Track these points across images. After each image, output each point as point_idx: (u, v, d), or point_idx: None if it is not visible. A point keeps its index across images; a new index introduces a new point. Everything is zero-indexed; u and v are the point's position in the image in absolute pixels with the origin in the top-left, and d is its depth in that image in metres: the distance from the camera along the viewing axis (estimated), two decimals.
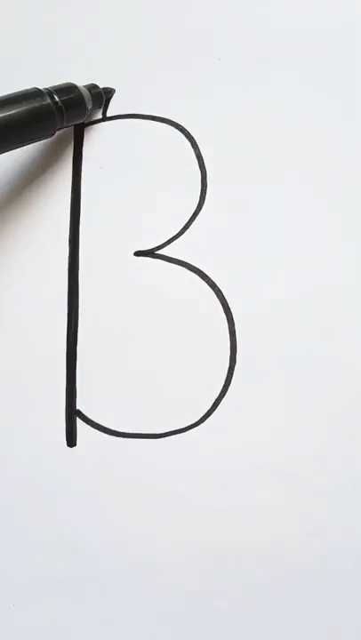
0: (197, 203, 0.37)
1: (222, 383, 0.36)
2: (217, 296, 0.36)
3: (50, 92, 0.34)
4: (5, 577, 0.36)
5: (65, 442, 0.36)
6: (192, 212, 0.37)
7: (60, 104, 0.34)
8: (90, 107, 0.36)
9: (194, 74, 0.37)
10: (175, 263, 0.37)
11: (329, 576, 0.35)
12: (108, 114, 0.38)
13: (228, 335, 0.36)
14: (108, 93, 0.37)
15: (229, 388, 0.36)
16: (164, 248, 0.37)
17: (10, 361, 0.37)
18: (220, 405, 0.36)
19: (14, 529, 0.36)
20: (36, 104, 0.33)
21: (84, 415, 0.36)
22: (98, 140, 0.38)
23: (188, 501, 0.35)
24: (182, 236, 0.37)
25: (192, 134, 0.37)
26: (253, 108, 0.37)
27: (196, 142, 0.37)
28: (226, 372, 0.36)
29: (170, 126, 0.37)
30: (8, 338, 0.37)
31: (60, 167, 0.38)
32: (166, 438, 0.36)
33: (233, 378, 0.36)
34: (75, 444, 0.36)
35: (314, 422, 0.36)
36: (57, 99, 0.34)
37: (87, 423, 0.36)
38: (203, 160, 0.37)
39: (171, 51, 0.38)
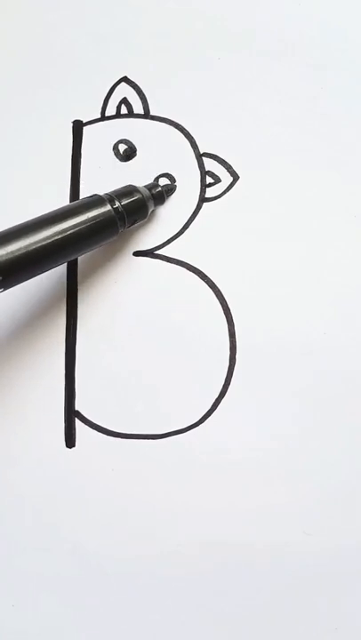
0: (197, 202, 0.37)
1: (222, 383, 0.36)
2: (216, 296, 0.36)
3: (111, 198, 0.34)
4: (5, 577, 0.36)
5: (64, 443, 0.36)
6: (192, 211, 0.37)
7: (121, 209, 0.34)
8: (152, 207, 0.36)
9: (194, 74, 0.37)
10: (175, 263, 0.37)
11: (329, 576, 0.35)
12: (107, 113, 0.38)
13: (228, 336, 0.36)
14: (169, 192, 0.37)
15: (229, 389, 0.36)
16: (164, 248, 0.37)
17: (9, 361, 0.37)
18: (219, 405, 0.36)
19: (14, 529, 0.36)
20: (98, 213, 0.33)
21: (83, 416, 0.36)
22: (97, 139, 0.38)
23: (188, 502, 0.36)
24: (182, 236, 0.37)
25: (192, 134, 0.37)
26: (253, 107, 0.37)
27: (195, 142, 0.37)
28: (225, 373, 0.36)
29: (170, 126, 0.37)
30: (8, 338, 0.37)
31: (58, 166, 0.37)
32: (166, 439, 0.36)
33: (233, 378, 0.36)
34: (74, 445, 0.36)
35: (314, 422, 0.36)
36: (118, 204, 0.34)
37: (86, 424, 0.36)
38: (202, 160, 0.37)
39: (171, 50, 0.37)
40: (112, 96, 0.38)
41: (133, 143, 0.37)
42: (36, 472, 0.36)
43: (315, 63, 0.37)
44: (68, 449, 0.36)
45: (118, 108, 0.38)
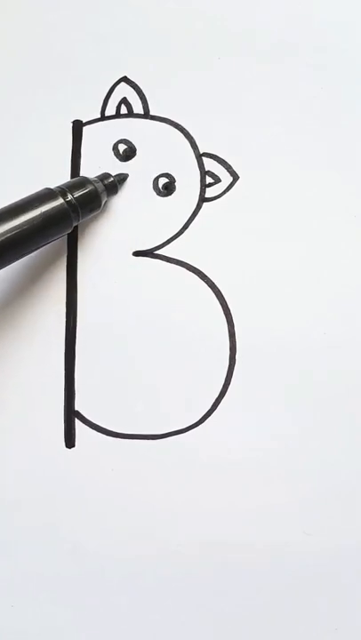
0: (197, 202, 0.37)
1: (222, 383, 0.36)
2: (216, 296, 0.36)
3: (63, 191, 0.33)
4: (5, 577, 0.36)
5: (64, 443, 0.36)
6: (191, 211, 0.37)
7: (74, 202, 0.33)
8: (105, 198, 0.36)
9: (194, 74, 0.37)
10: (174, 263, 0.37)
11: (329, 576, 0.35)
12: (107, 113, 0.38)
13: (228, 336, 0.36)
14: (121, 181, 0.37)
15: (229, 389, 0.36)
16: (164, 248, 0.37)
17: (8, 361, 0.37)
18: (219, 406, 0.36)
19: (14, 529, 0.36)
20: (50, 207, 0.32)
21: (82, 416, 0.36)
22: (96, 139, 0.38)
23: (188, 502, 0.35)
24: (181, 236, 0.37)
25: (192, 134, 0.37)
26: (253, 107, 0.37)
27: (195, 142, 0.37)
28: (225, 373, 0.36)
29: (169, 126, 0.37)
30: (7, 338, 0.37)
31: (58, 166, 0.37)
32: (166, 439, 0.36)
33: (232, 378, 0.36)
34: (74, 445, 0.36)
35: (314, 422, 0.36)
36: (70, 197, 0.33)
37: (86, 424, 0.36)
38: (202, 160, 0.37)
39: (171, 50, 0.37)
40: (112, 96, 0.38)
41: (133, 143, 0.37)
42: (36, 472, 0.36)
43: (315, 63, 0.37)
44: (67, 449, 0.36)
45: (118, 107, 0.38)
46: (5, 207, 0.32)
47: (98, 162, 0.38)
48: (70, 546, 0.36)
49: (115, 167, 0.37)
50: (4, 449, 0.36)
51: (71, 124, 0.38)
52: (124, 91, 0.38)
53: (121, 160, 0.37)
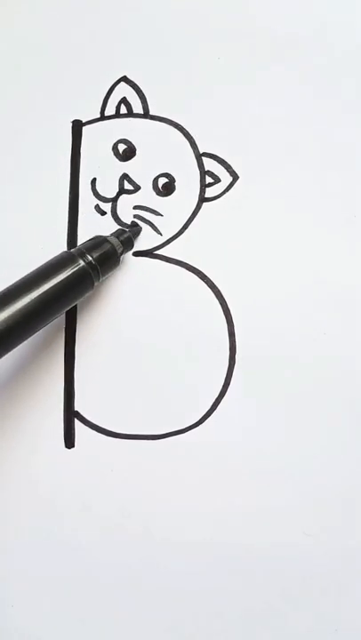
0: (197, 202, 0.37)
1: (222, 383, 0.36)
2: (216, 297, 0.36)
3: (81, 252, 0.34)
4: (5, 577, 0.36)
5: (63, 443, 0.36)
6: (191, 211, 0.37)
7: (94, 262, 0.34)
8: (122, 254, 0.36)
9: (194, 74, 0.37)
10: (174, 263, 0.37)
11: (329, 576, 0.35)
12: (107, 113, 0.38)
13: (228, 336, 0.36)
14: (136, 234, 0.37)
15: (229, 389, 0.36)
16: (163, 248, 0.37)
17: (8, 362, 0.36)
18: (219, 406, 0.36)
19: (13, 529, 0.36)
20: (71, 271, 0.33)
21: (82, 416, 0.36)
22: (96, 139, 0.38)
23: (188, 502, 0.35)
24: (181, 236, 0.37)
25: (192, 134, 0.37)
26: (253, 107, 0.37)
27: (195, 142, 0.37)
28: (225, 373, 0.36)
29: (169, 126, 0.37)
30: None
31: (58, 166, 0.37)
32: (166, 439, 0.36)
33: (233, 378, 0.36)
34: (73, 446, 0.36)
35: (313, 422, 0.36)
36: (90, 258, 0.34)
37: (86, 424, 0.36)
38: (202, 160, 0.37)
39: (170, 50, 0.37)
40: (111, 96, 0.38)
41: (133, 143, 0.37)
42: (35, 472, 0.36)
43: (315, 63, 0.37)
44: (67, 449, 0.36)
45: (118, 107, 0.38)
46: (28, 275, 0.32)
47: (97, 162, 0.38)
48: (70, 546, 0.36)
49: (114, 167, 0.37)
50: (4, 449, 0.36)
51: (71, 124, 0.38)
52: (123, 90, 0.38)
53: (121, 160, 0.37)
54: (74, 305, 0.35)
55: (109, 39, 0.38)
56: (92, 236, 0.35)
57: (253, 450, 0.35)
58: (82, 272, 0.33)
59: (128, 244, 0.36)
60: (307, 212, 0.37)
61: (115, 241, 0.35)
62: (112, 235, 0.36)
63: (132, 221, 0.37)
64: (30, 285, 0.32)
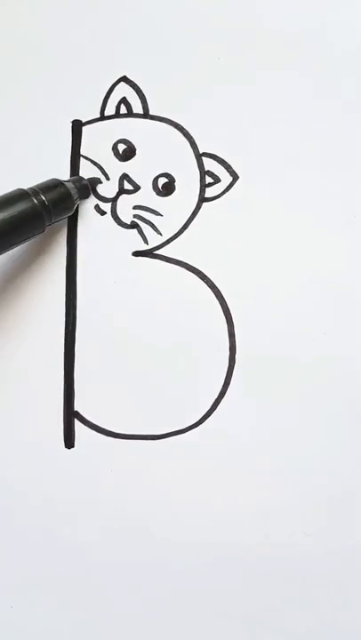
0: (197, 202, 0.37)
1: (222, 383, 0.36)
2: (216, 297, 0.36)
3: (35, 192, 0.33)
4: (5, 578, 0.36)
5: (63, 443, 0.36)
6: (191, 211, 0.37)
7: (46, 203, 0.34)
8: (77, 200, 0.36)
9: (193, 73, 0.37)
10: (174, 263, 0.37)
11: (329, 576, 0.35)
12: (106, 113, 0.38)
13: (228, 336, 0.36)
14: (93, 184, 0.37)
15: (229, 389, 0.36)
16: (163, 248, 0.37)
17: (8, 362, 0.36)
18: (219, 406, 0.36)
19: (13, 530, 0.36)
20: (22, 207, 0.33)
21: (82, 417, 0.36)
22: (96, 139, 0.37)
23: (188, 502, 0.35)
24: (181, 236, 0.37)
25: (191, 134, 0.37)
26: (253, 107, 0.37)
27: (195, 142, 0.37)
28: (225, 373, 0.36)
29: (169, 126, 0.37)
30: (6, 339, 0.37)
31: (58, 166, 0.37)
32: (166, 439, 0.36)
33: (233, 378, 0.36)
34: (73, 446, 0.36)
35: (313, 422, 0.36)
36: (43, 198, 0.33)
37: (85, 425, 0.36)
38: (202, 160, 0.37)
39: (170, 50, 0.37)
40: (111, 96, 0.38)
41: (133, 143, 0.37)
42: (35, 472, 0.36)
43: (315, 63, 0.37)
44: (67, 449, 0.36)
45: (118, 107, 0.38)
46: None
47: (97, 162, 0.37)
48: (70, 546, 0.36)
49: (114, 167, 0.37)
50: (5, 449, 0.36)
51: (71, 124, 0.38)
52: (123, 90, 0.38)
53: (120, 160, 0.37)
54: (21, 242, 0.34)
55: (109, 39, 0.38)
56: (47, 179, 0.35)
57: (253, 450, 0.36)
58: (33, 209, 0.33)
59: (84, 190, 0.36)
60: (307, 212, 0.37)
61: (70, 185, 0.35)
62: (69, 179, 0.36)
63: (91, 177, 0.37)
64: None
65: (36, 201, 0.33)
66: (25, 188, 0.34)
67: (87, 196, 0.37)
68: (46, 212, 0.34)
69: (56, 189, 0.34)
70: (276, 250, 0.37)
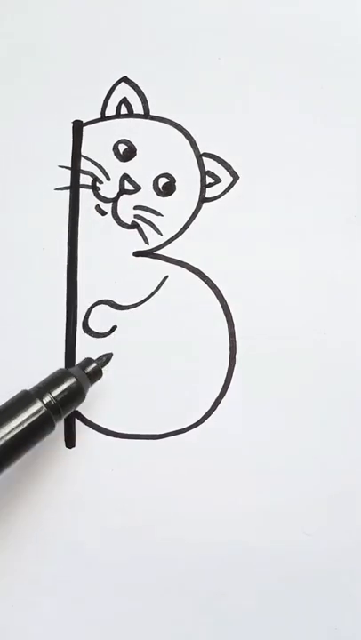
0: (197, 203, 0.37)
1: (222, 383, 0.36)
2: (216, 296, 0.36)
3: (40, 392, 0.31)
4: (5, 577, 0.36)
5: (64, 443, 0.36)
6: (191, 211, 0.37)
7: (53, 402, 0.31)
8: (88, 388, 0.33)
9: (194, 74, 0.37)
10: (174, 263, 0.37)
11: (329, 576, 0.35)
12: (107, 113, 0.38)
13: (228, 336, 0.36)
14: (105, 363, 0.34)
15: (229, 389, 0.36)
16: (164, 248, 0.37)
17: (8, 362, 0.37)
18: (219, 405, 0.36)
19: (14, 530, 0.36)
20: (29, 415, 0.30)
21: (82, 416, 0.36)
22: (97, 139, 0.38)
23: (188, 502, 0.35)
24: (181, 236, 0.37)
25: (192, 134, 0.37)
26: (253, 107, 0.37)
27: (195, 142, 0.37)
28: (225, 373, 0.36)
29: (170, 126, 0.37)
30: (7, 338, 0.37)
31: (58, 167, 0.37)
32: (166, 439, 0.36)
33: (233, 378, 0.36)
34: (74, 445, 0.36)
35: (313, 422, 0.36)
36: (50, 398, 0.31)
37: (86, 424, 0.36)
38: (202, 160, 0.37)
39: (171, 50, 0.37)
40: (112, 96, 0.38)
41: (133, 143, 0.37)
42: (36, 472, 0.36)
43: (314, 63, 0.37)
44: (68, 449, 0.36)
45: (118, 108, 0.38)
46: None
47: (98, 162, 0.38)
48: (70, 546, 0.36)
49: (115, 167, 0.37)
50: None
51: (71, 125, 0.38)
52: (124, 91, 0.38)
53: (121, 160, 0.38)
54: (29, 448, 0.31)
55: (110, 40, 0.38)
56: (53, 371, 0.33)
57: (253, 450, 0.35)
58: (40, 414, 0.30)
59: (96, 375, 0.33)
60: (307, 212, 0.37)
61: (79, 373, 0.32)
62: (77, 366, 0.33)
63: (100, 356, 0.34)
64: None
65: (42, 404, 0.30)
66: (28, 388, 0.31)
67: (100, 378, 0.33)
68: (55, 413, 0.31)
69: (63, 383, 0.31)
70: (276, 250, 0.37)
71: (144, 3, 0.38)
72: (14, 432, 0.30)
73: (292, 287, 0.36)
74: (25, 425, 0.30)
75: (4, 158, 0.38)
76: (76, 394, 0.32)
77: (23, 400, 0.30)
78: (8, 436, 0.29)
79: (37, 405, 0.30)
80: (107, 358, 0.34)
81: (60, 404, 0.31)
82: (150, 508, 0.36)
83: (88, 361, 0.34)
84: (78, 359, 0.36)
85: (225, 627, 0.35)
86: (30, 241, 0.37)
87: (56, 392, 0.31)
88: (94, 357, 0.34)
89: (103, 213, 0.37)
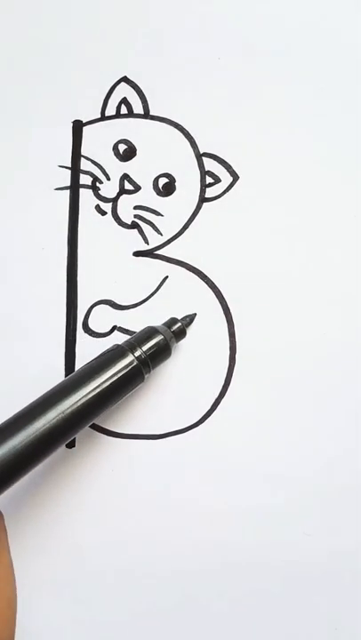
0: (197, 203, 0.37)
1: (222, 383, 0.36)
2: (216, 296, 0.36)
3: (132, 346, 0.33)
4: None
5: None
6: (191, 211, 0.37)
7: (143, 356, 0.33)
8: (174, 345, 0.35)
9: (194, 73, 0.37)
10: (174, 263, 0.37)
11: (329, 576, 0.35)
12: (107, 113, 0.38)
13: (228, 336, 0.36)
14: (189, 323, 0.36)
15: (229, 389, 0.36)
16: (164, 248, 0.37)
17: (8, 362, 0.37)
18: (219, 405, 0.36)
19: (14, 530, 0.36)
20: (122, 366, 0.32)
21: None
22: (96, 139, 0.38)
23: (188, 502, 0.36)
24: (181, 236, 0.37)
25: (192, 134, 0.37)
26: (253, 107, 0.37)
27: (195, 142, 0.37)
28: (225, 373, 0.36)
29: (170, 126, 0.37)
30: (7, 338, 0.37)
31: (58, 167, 0.37)
32: (166, 439, 0.36)
33: (233, 378, 0.36)
34: (74, 445, 0.36)
35: (313, 422, 0.36)
36: (140, 352, 0.33)
37: None
38: (202, 160, 0.37)
39: (171, 50, 0.37)
40: (112, 96, 0.38)
41: (133, 143, 0.37)
42: (36, 472, 0.36)
43: (314, 63, 0.37)
44: (68, 449, 0.36)
45: (118, 107, 0.38)
46: (78, 372, 0.33)
47: (98, 162, 0.38)
48: (70, 545, 0.36)
49: (115, 167, 0.37)
50: None
51: (71, 124, 0.38)
52: (124, 91, 0.38)
53: (121, 160, 0.37)
54: (122, 398, 0.34)
55: (110, 39, 0.38)
56: (143, 328, 0.35)
57: (253, 450, 0.36)
58: (132, 367, 0.33)
59: (181, 334, 0.36)
60: (307, 212, 0.37)
61: (166, 332, 0.35)
62: (164, 324, 0.35)
63: (184, 316, 0.36)
64: (81, 381, 0.32)
65: (134, 357, 0.33)
66: (121, 344, 0.33)
67: (184, 337, 0.36)
68: (145, 366, 0.33)
69: (152, 340, 0.34)
70: (276, 250, 0.37)
71: (144, 2, 0.38)
72: (109, 381, 0.32)
73: (292, 287, 0.36)
74: (119, 375, 0.32)
75: (4, 158, 0.38)
76: (164, 350, 0.34)
77: (117, 353, 0.33)
78: (104, 385, 0.32)
79: (129, 358, 0.33)
80: (190, 319, 0.36)
81: (150, 358, 0.33)
82: (150, 507, 0.36)
83: (173, 320, 0.36)
84: (78, 359, 0.36)
85: (225, 626, 0.35)
86: (30, 241, 0.37)
87: (146, 347, 0.33)
88: (178, 317, 0.36)
89: (103, 213, 0.37)
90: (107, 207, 0.37)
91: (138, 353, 0.33)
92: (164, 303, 0.37)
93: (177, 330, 0.35)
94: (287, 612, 0.35)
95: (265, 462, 0.35)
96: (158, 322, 0.36)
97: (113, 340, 0.37)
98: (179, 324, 0.36)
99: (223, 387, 0.36)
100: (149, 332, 0.34)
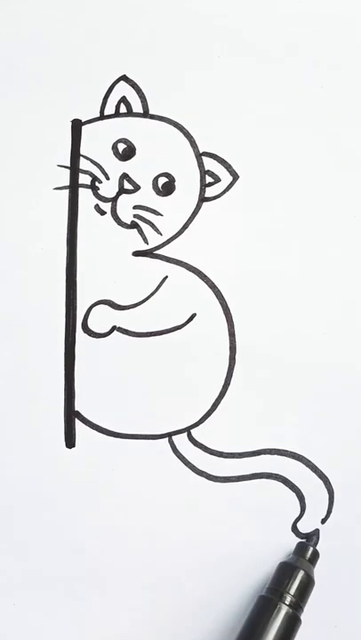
0: (196, 202, 0.37)
1: (222, 383, 0.36)
2: (216, 296, 0.36)
3: (280, 594, 0.32)
4: (6, 577, 0.36)
5: (64, 443, 0.36)
6: (191, 211, 0.37)
7: (295, 599, 0.32)
8: (312, 571, 0.34)
9: (193, 73, 0.37)
10: (174, 263, 0.37)
11: (329, 575, 0.35)
12: (106, 112, 0.38)
13: (228, 336, 0.36)
14: (316, 542, 0.35)
15: (229, 389, 0.36)
16: (163, 248, 0.37)
17: (8, 362, 0.37)
18: (219, 405, 0.36)
19: (14, 530, 0.36)
20: (282, 620, 0.32)
21: (82, 416, 0.36)
22: (96, 139, 0.37)
23: (188, 502, 0.36)
24: (181, 236, 0.37)
25: (191, 133, 0.37)
26: (253, 106, 0.37)
27: (195, 141, 0.37)
28: (225, 373, 0.36)
29: (169, 125, 0.37)
30: (6, 339, 0.37)
31: (57, 166, 0.37)
32: (166, 439, 0.36)
33: (233, 378, 0.36)
34: (74, 446, 0.36)
35: (314, 422, 0.36)
36: (289, 598, 0.32)
37: (86, 424, 0.36)
38: (202, 159, 0.37)
39: (170, 49, 0.37)
40: (111, 95, 0.38)
41: (132, 142, 0.37)
42: (36, 472, 0.36)
43: (314, 62, 0.37)
44: (68, 449, 0.36)
45: (117, 106, 0.37)
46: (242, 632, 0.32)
47: (97, 161, 0.37)
48: (71, 546, 0.36)
49: (114, 166, 0.37)
50: (5, 450, 0.36)
51: (70, 123, 0.37)
52: (123, 89, 0.37)
53: (120, 159, 0.37)
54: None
55: (109, 38, 0.38)
56: (277, 566, 0.34)
57: (253, 450, 0.36)
58: (290, 618, 0.32)
59: (315, 557, 0.34)
60: (307, 212, 0.37)
61: (306, 565, 0.33)
62: (295, 554, 0.34)
63: (311, 535, 0.35)
64: None
65: (287, 607, 0.32)
66: (267, 595, 0.32)
67: (318, 558, 0.34)
68: (297, 609, 0.32)
69: (296, 577, 0.33)
70: (276, 250, 0.37)
71: (144, 2, 0.38)
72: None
73: (292, 287, 0.36)
74: (281, 629, 0.31)
75: (3, 157, 0.37)
76: (308, 584, 0.33)
77: (267, 606, 0.32)
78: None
79: (284, 609, 0.32)
80: (316, 537, 0.35)
81: (299, 600, 0.32)
82: (150, 507, 0.36)
83: (303, 546, 0.34)
84: (78, 359, 0.36)
85: (225, 626, 0.35)
86: (29, 241, 0.37)
87: (292, 589, 0.32)
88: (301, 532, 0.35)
89: (102, 213, 0.37)
90: (106, 207, 0.37)
91: (288, 600, 0.32)
92: (164, 303, 0.37)
93: (311, 555, 0.34)
94: None
95: (265, 462, 0.36)
96: (158, 321, 0.36)
97: (113, 340, 0.36)
98: (310, 548, 0.34)
99: (223, 387, 0.36)
100: (288, 570, 0.33)
